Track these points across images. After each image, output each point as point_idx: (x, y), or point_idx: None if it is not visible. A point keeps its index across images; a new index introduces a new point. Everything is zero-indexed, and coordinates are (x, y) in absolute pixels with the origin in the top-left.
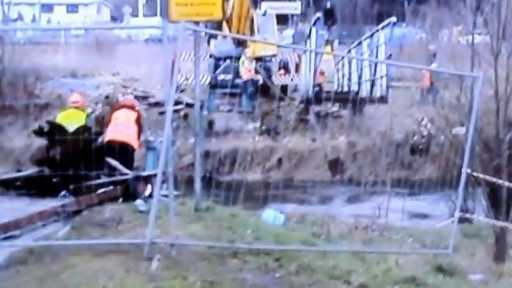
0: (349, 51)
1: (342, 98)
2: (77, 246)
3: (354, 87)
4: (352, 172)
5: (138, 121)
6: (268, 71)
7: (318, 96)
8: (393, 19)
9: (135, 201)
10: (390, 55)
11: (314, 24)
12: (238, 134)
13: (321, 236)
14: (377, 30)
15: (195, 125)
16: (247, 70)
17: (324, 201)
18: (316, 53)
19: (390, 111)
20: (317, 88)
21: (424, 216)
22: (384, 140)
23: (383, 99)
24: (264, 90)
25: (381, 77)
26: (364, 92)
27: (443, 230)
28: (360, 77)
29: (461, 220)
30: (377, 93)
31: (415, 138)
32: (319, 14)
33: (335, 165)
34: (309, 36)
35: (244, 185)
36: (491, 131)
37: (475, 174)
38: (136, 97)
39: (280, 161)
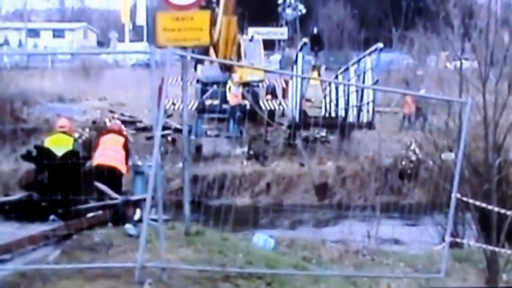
0: (336, 76)
1: (329, 123)
2: (68, 270)
3: (341, 113)
4: (341, 197)
5: (126, 146)
6: (255, 96)
7: (304, 122)
8: (380, 45)
9: (125, 226)
10: (377, 81)
11: (300, 49)
12: (226, 159)
13: (312, 260)
14: (364, 56)
15: (183, 149)
16: (234, 95)
17: (313, 225)
18: (303, 79)
19: (378, 136)
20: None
21: (414, 240)
22: (373, 165)
23: (370, 125)
24: (251, 115)
25: (368, 103)
26: (351, 118)
27: (434, 254)
28: (347, 103)
29: (452, 245)
30: (364, 118)
31: (404, 163)
32: (305, 40)
33: (322, 190)
34: (296, 61)
35: (233, 209)
36: (480, 156)
37: (464, 199)
38: (123, 122)
39: (268, 185)
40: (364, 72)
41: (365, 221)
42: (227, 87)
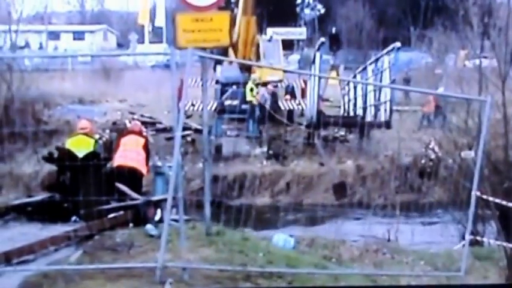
0: (355, 76)
1: (347, 122)
2: (90, 270)
3: (360, 112)
4: (361, 195)
5: (146, 147)
6: (274, 96)
7: (322, 121)
8: (397, 44)
9: (146, 226)
10: (394, 80)
11: (318, 49)
12: (246, 159)
13: (332, 259)
14: (381, 55)
15: (203, 150)
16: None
17: (333, 224)
18: (320, 78)
19: (397, 135)
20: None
21: (434, 239)
22: (392, 163)
23: (387, 124)
24: (270, 115)
25: (385, 102)
26: (369, 117)
27: (454, 252)
28: (364, 102)
29: (472, 243)
30: (381, 118)
31: (423, 161)
32: (323, 39)
33: (340, 189)
34: (314, 61)
35: (254, 209)
36: (500, 154)
37: (484, 197)
38: (143, 123)
39: (288, 185)
40: (382, 72)
41: (385, 219)
42: (247, 87)
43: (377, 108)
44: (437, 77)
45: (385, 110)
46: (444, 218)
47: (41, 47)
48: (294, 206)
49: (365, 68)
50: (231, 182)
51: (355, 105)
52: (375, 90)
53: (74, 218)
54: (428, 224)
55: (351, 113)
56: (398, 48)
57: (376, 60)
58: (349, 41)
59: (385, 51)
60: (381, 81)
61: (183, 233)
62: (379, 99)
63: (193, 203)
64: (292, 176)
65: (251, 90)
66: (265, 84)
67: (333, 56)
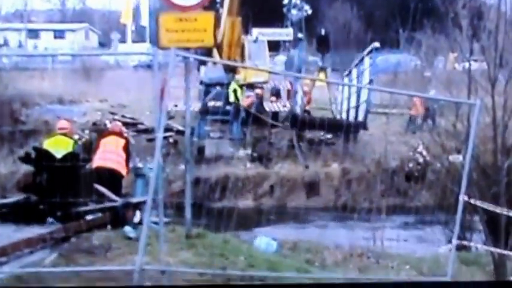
0: (343, 79)
1: (332, 124)
2: (65, 273)
3: (344, 115)
4: (346, 199)
5: (127, 148)
6: (259, 98)
7: (308, 123)
8: (376, 44)
9: (124, 228)
10: (371, 80)
11: (295, 47)
12: (229, 161)
13: (315, 263)
14: (363, 57)
15: (185, 151)
16: (247, 97)
17: (317, 228)
18: (298, 78)
19: (385, 138)
20: (305, 114)
21: (420, 243)
22: (379, 167)
23: (363, 125)
24: (255, 117)
25: (362, 103)
26: (351, 119)
27: (441, 257)
28: (348, 104)
29: (459, 248)
30: (359, 119)
31: (411, 165)
32: (300, 35)
33: (311, 188)
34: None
35: (236, 211)
36: (488, 158)
37: (472, 201)
38: (124, 124)
39: (272, 187)
40: (362, 72)
41: (370, 223)
42: (230, 88)
43: (357, 110)
44: (426, 79)
45: (362, 111)
46: (431, 222)
47: (20, 45)
48: (277, 209)
49: (350, 71)
50: (213, 184)
51: (341, 107)
52: (356, 92)
53: (50, 219)
54: (414, 228)
55: (338, 116)
56: (377, 49)
57: (360, 61)
58: (336, 42)
59: (365, 52)
60: (361, 82)
61: (162, 236)
62: (358, 100)
63: (174, 205)
64: (276, 179)
65: (234, 91)
66: (250, 85)
67: (322, 58)
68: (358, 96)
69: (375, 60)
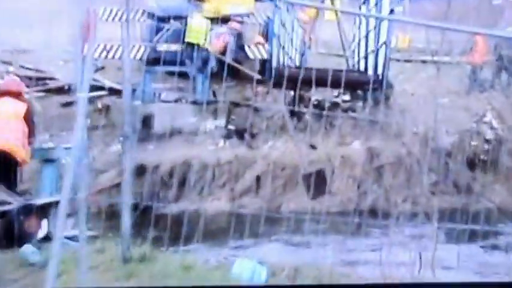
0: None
1: (351, 80)
2: None
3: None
4: (375, 198)
5: (28, 117)
6: (239, 39)
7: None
8: None
9: (23, 247)
10: (392, 10)
11: None
12: (191, 138)
13: None
14: None
15: (122, 123)
16: (217, 39)
17: (329, 244)
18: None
19: (434, 101)
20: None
21: (494, 270)
22: (425, 147)
23: (379, 83)
24: (233, 68)
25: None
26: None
27: None
28: (366, 47)
29: None
30: (378, 71)
31: (475, 143)
32: None
33: (315, 181)
34: None
35: (202, 219)
36: None
37: None
38: (25, 78)
39: (258, 180)
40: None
41: (413, 238)
42: (192, 23)
43: (376, 57)
44: (496, 9)
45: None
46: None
47: None
48: (267, 214)
49: None
50: (167, 175)
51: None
52: (375, 29)
53: None
54: (483, 246)
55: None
56: None
57: None
58: None
59: None
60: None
61: (84, 260)
62: (378, 42)
63: (103, 209)
64: (265, 166)
65: (199, 28)
66: (225, 20)
67: None
68: (378, 34)
69: None
